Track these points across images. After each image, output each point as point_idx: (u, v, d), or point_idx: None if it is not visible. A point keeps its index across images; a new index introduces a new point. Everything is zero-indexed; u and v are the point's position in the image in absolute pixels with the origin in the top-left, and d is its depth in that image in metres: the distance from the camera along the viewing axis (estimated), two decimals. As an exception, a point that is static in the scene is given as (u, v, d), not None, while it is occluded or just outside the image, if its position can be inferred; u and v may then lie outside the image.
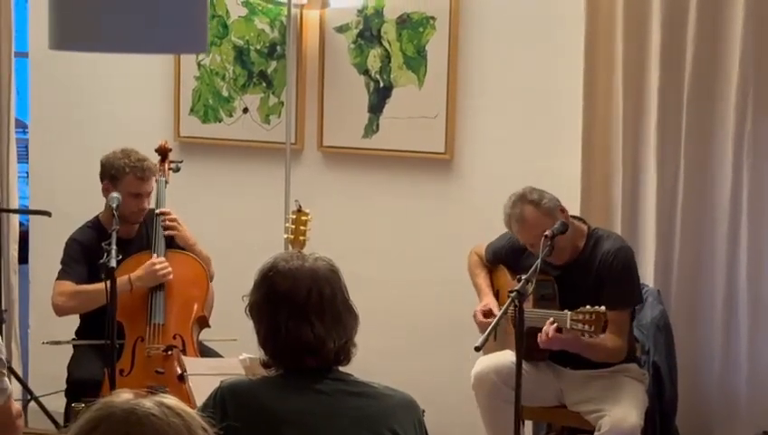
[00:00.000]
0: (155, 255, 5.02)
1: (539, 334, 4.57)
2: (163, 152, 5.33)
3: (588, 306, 4.50)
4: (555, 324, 4.55)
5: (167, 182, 5.27)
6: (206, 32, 1.90)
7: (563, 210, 4.75)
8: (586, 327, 4.50)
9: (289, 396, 2.92)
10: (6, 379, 3.61)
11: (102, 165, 5.08)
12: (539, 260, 4.42)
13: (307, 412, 2.90)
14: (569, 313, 4.54)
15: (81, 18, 1.71)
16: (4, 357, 3.57)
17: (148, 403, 1.96)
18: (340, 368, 3.00)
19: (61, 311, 5.05)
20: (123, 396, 1.98)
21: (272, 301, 2.96)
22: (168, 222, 5.10)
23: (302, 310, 2.93)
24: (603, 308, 4.49)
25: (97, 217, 5.16)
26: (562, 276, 4.76)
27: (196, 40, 1.82)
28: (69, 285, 5.01)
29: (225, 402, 2.88)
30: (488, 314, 4.90)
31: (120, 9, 1.72)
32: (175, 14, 1.75)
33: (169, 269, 4.97)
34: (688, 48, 5.05)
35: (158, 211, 5.13)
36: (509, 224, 4.77)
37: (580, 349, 4.63)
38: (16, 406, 3.73)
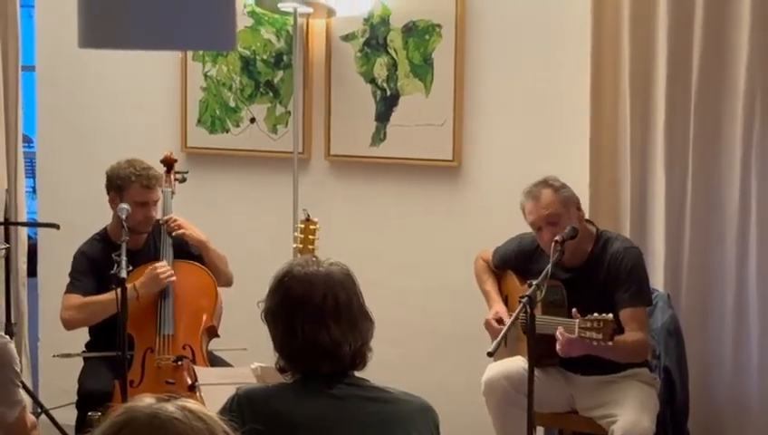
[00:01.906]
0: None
1: (557, 344, 4.54)
2: (168, 163, 5.33)
3: (596, 314, 4.49)
4: (564, 332, 4.53)
5: (173, 193, 5.27)
6: (235, 29, 1.91)
7: (579, 209, 4.76)
8: (594, 335, 4.49)
9: (305, 402, 2.92)
10: (21, 390, 3.61)
11: (108, 176, 5.09)
12: (549, 266, 4.41)
13: (323, 418, 2.89)
14: (577, 320, 4.52)
15: (111, 16, 1.72)
16: (18, 369, 3.58)
17: (170, 407, 1.96)
18: (356, 373, 3.00)
19: (69, 325, 5.04)
20: (146, 401, 1.98)
21: (288, 305, 2.96)
22: (173, 224, 5.10)
23: (317, 314, 2.93)
24: (611, 316, 4.48)
25: (105, 229, 5.17)
26: (572, 279, 4.75)
27: (225, 37, 1.82)
28: (76, 299, 5.01)
29: (243, 408, 2.88)
30: (500, 322, 4.89)
31: (148, 6, 1.73)
32: (203, 10, 1.76)
33: (171, 272, 4.97)
34: (695, 52, 5.05)
35: (162, 220, 5.13)
36: (523, 202, 4.76)
37: (599, 351, 4.59)
38: (32, 418, 3.74)
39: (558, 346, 4.53)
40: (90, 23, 1.70)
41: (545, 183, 4.76)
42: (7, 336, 3.64)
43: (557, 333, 4.53)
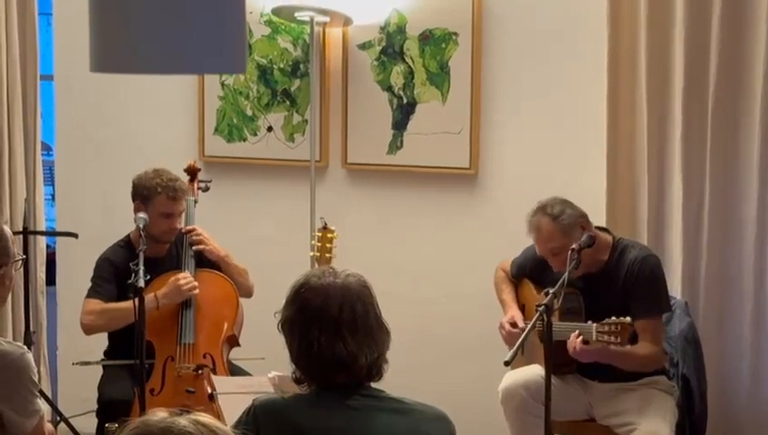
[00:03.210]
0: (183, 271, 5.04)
1: (568, 346, 4.56)
2: (192, 172, 5.34)
3: (613, 317, 4.49)
4: (581, 337, 4.54)
5: (196, 202, 5.28)
6: (245, 52, 1.92)
7: (584, 226, 4.70)
8: (612, 338, 4.49)
9: (321, 413, 2.92)
10: (38, 400, 3.63)
11: (134, 185, 5.09)
12: (566, 274, 4.40)
13: (339, 429, 2.89)
14: (594, 325, 4.53)
15: (122, 40, 1.72)
16: (36, 378, 3.59)
17: (183, 421, 1.97)
18: (372, 384, 3.00)
19: (89, 329, 5.05)
20: (159, 415, 1.99)
21: (304, 317, 2.96)
22: (194, 237, 5.11)
23: (334, 326, 2.92)
24: (629, 319, 4.47)
25: (128, 236, 5.18)
26: (589, 288, 4.75)
27: (235, 60, 1.83)
28: (97, 304, 5.01)
29: (258, 420, 2.88)
30: (514, 325, 4.89)
31: (159, 30, 1.74)
32: (213, 35, 1.76)
33: (195, 284, 4.98)
34: (712, 58, 5.04)
35: (184, 230, 5.14)
36: (529, 231, 4.77)
37: (610, 359, 4.60)
38: (49, 427, 3.75)
39: (569, 349, 4.53)
40: (101, 47, 1.71)
41: (543, 211, 4.70)
42: (24, 346, 3.65)
43: (571, 336, 4.53)
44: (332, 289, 2.96)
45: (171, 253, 5.17)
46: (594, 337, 4.52)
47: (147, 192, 5.02)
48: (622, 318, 4.47)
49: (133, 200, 5.08)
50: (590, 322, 4.55)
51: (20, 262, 3.73)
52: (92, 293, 5.05)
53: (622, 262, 4.74)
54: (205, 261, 5.16)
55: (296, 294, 2.99)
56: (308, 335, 2.93)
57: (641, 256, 4.73)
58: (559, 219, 4.67)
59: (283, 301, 3.03)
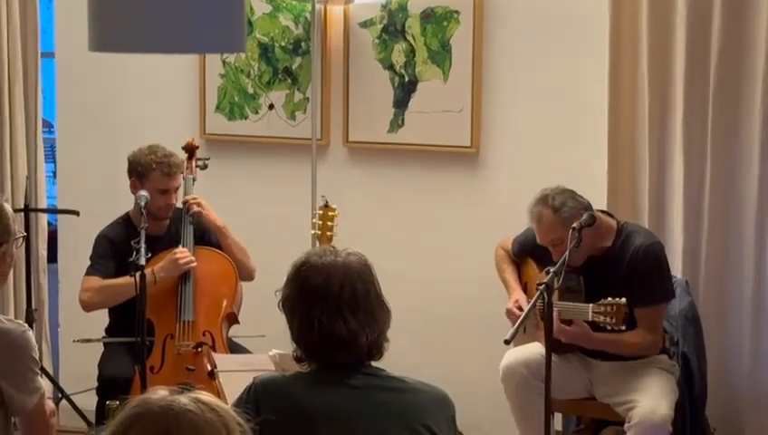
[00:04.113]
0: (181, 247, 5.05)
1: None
2: (190, 150, 5.34)
3: (609, 298, 4.51)
4: (557, 313, 4.55)
5: (194, 180, 5.28)
6: (244, 32, 1.91)
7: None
8: (608, 319, 4.51)
9: (322, 391, 2.93)
10: (39, 378, 3.64)
11: (129, 162, 5.10)
12: (567, 253, 4.41)
13: (340, 408, 2.90)
14: (591, 305, 4.55)
15: (120, 20, 1.72)
16: (36, 356, 3.60)
17: (184, 400, 1.98)
18: (373, 363, 3.01)
19: (87, 306, 5.07)
20: (159, 393, 2.00)
21: (305, 296, 2.96)
22: (191, 201, 5.11)
23: (335, 305, 2.93)
24: (624, 300, 4.49)
25: (127, 213, 5.18)
26: (590, 268, 4.75)
27: (234, 40, 1.83)
28: (95, 281, 5.03)
29: (259, 398, 2.88)
30: (521, 309, 4.90)
31: (158, 10, 1.73)
32: (212, 14, 1.76)
33: (191, 258, 4.98)
34: (714, 39, 5.03)
35: (183, 199, 5.14)
36: (529, 219, 4.78)
37: (594, 344, 4.64)
38: (50, 405, 3.76)
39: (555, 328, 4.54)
40: (100, 27, 1.70)
41: (545, 202, 4.68)
42: (25, 324, 3.65)
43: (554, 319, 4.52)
44: (333, 268, 2.96)
45: (171, 231, 5.18)
46: (590, 317, 4.54)
47: (142, 169, 5.03)
48: (617, 299, 4.49)
49: (129, 177, 5.09)
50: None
51: (21, 239, 3.73)
52: (91, 270, 5.06)
53: (626, 248, 4.73)
54: (205, 239, 5.16)
55: (297, 273, 2.99)
56: (308, 314, 2.94)
57: (646, 244, 4.72)
58: (560, 212, 4.65)
59: (284, 279, 3.04)
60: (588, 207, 4.69)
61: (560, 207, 4.66)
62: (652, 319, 4.69)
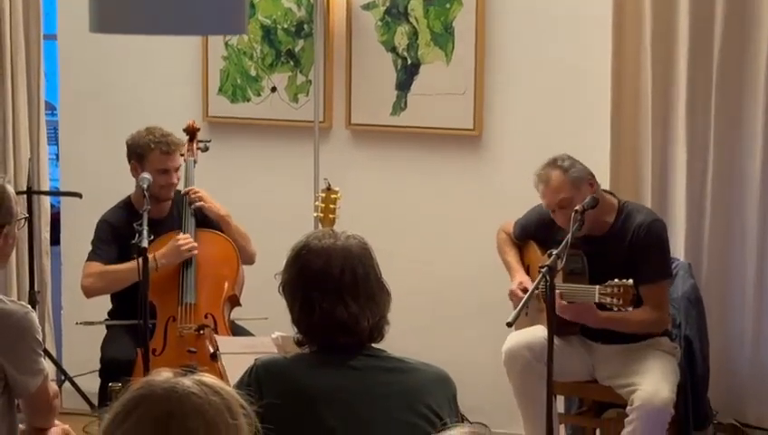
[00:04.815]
0: (183, 233, 5.04)
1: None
2: (191, 132, 5.33)
3: (616, 280, 4.51)
4: (563, 298, 4.56)
5: (195, 162, 5.28)
6: (245, 13, 1.91)
7: (592, 184, 4.73)
8: (614, 301, 4.50)
9: (323, 373, 2.93)
10: (42, 359, 3.64)
11: (128, 145, 5.10)
12: (569, 235, 4.41)
13: (342, 389, 2.91)
14: (597, 287, 4.55)
15: (120, 1, 1.71)
16: (40, 338, 3.60)
17: (187, 382, 1.98)
18: (374, 344, 3.01)
19: (89, 292, 5.07)
20: (163, 375, 2.00)
21: (305, 280, 2.96)
22: (193, 195, 5.11)
23: (336, 289, 2.93)
24: (630, 281, 4.49)
25: (128, 197, 5.18)
26: (593, 250, 4.75)
27: (235, 21, 1.82)
28: (97, 266, 5.03)
29: (261, 380, 2.89)
30: (525, 291, 4.89)
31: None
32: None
33: (194, 244, 4.98)
34: (717, 22, 5.02)
35: (184, 191, 5.14)
36: (536, 184, 4.77)
37: (599, 321, 4.63)
38: (53, 387, 3.77)
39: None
40: (100, 8, 1.70)
41: (554, 164, 4.72)
42: (29, 305, 3.65)
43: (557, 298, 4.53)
44: (333, 252, 2.96)
45: (172, 214, 5.18)
46: (597, 299, 4.54)
47: (140, 150, 5.03)
48: (624, 281, 4.49)
49: (129, 161, 5.09)
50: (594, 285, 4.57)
51: (23, 221, 3.73)
52: (92, 255, 5.06)
53: (628, 226, 4.74)
54: (206, 222, 5.16)
55: (297, 257, 2.99)
56: (309, 298, 2.94)
57: (648, 221, 4.73)
58: (569, 172, 4.69)
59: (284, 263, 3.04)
60: (592, 174, 4.74)
61: (569, 167, 4.70)
62: (658, 296, 4.69)
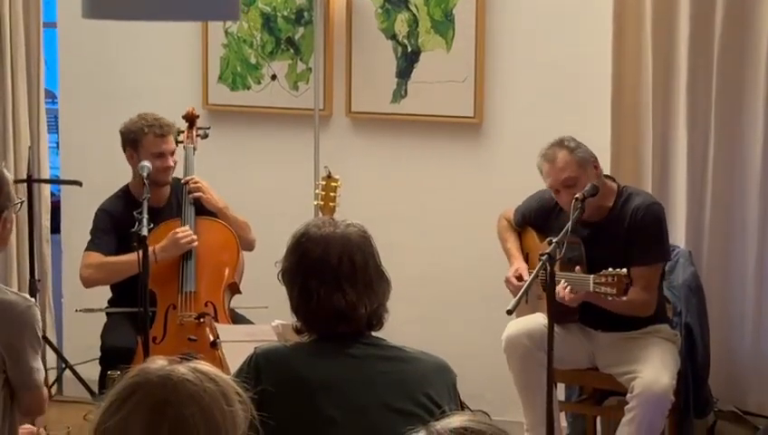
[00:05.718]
0: (182, 224, 5.04)
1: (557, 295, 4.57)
2: (190, 119, 5.33)
3: (610, 269, 4.50)
4: (569, 287, 4.56)
5: (195, 149, 5.27)
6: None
7: (597, 167, 4.74)
8: (608, 290, 4.49)
9: (322, 362, 2.93)
10: (39, 357, 3.62)
11: (122, 133, 5.09)
12: (570, 223, 4.41)
13: (340, 377, 2.90)
14: (592, 276, 4.54)
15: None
16: (40, 334, 3.58)
17: (182, 369, 1.98)
18: (374, 333, 3.01)
19: (88, 283, 5.07)
20: (158, 362, 2.00)
21: (304, 267, 2.96)
22: (192, 185, 5.10)
23: (334, 277, 2.93)
24: (624, 271, 4.47)
25: (126, 186, 5.17)
26: (592, 235, 4.74)
27: (229, 7, 1.82)
28: (96, 257, 5.02)
29: (260, 368, 2.89)
30: (520, 279, 4.89)
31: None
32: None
33: (193, 237, 4.98)
34: (717, 9, 5.01)
35: (183, 180, 5.13)
36: (540, 164, 4.77)
37: (591, 297, 4.62)
38: (45, 391, 3.74)
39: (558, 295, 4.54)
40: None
41: (561, 144, 4.73)
42: (32, 299, 3.63)
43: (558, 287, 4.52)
44: (332, 239, 2.96)
45: (171, 202, 5.17)
46: (591, 287, 4.54)
47: (134, 135, 5.02)
48: (618, 269, 4.48)
49: (124, 150, 5.08)
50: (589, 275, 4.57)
51: (19, 205, 3.71)
52: (91, 245, 5.05)
53: (626, 209, 4.75)
54: (204, 211, 5.15)
55: (296, 245, 2.99)
56: (307, 286, 2.94)
57: (646, 204, 4.74)
58: (575, 151, 4.71)
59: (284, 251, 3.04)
60: (596, 157, 4.76)
61: (575, 147, 4.73)
62: (648, 278, 4.69)
